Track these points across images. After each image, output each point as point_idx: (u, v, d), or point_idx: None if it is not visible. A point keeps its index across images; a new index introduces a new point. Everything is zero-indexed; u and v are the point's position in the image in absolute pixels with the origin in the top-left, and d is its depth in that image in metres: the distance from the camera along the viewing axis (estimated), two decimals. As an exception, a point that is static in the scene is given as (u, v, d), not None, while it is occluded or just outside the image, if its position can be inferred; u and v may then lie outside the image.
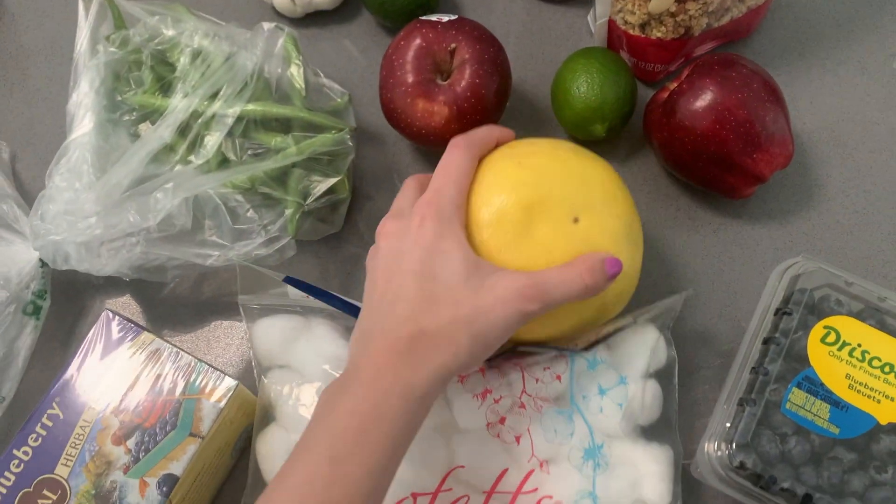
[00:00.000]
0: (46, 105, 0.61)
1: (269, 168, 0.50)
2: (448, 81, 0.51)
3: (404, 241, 0.41)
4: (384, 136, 0.59)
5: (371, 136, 0.59)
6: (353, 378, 0.38)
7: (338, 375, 0.40)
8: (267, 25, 0.54)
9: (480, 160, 0.46)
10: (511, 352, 0.46)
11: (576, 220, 0.44)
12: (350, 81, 0.60)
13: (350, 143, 0.52)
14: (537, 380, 0.45)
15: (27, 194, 0.57)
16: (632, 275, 0.46)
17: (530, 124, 0.58)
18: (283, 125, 0.53)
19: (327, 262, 0.56)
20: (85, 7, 0.54)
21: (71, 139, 0.51)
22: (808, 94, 0.59)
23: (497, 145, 0.47)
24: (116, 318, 0.47)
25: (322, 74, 0.56)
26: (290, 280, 0.47)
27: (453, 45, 0.50)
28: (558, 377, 0.44)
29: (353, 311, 0.46)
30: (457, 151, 0.44)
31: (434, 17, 0.52)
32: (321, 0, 0.59)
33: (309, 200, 0.51)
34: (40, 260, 0.51)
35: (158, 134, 0.49)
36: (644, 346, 0.45)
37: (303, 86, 0.53)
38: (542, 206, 0.44)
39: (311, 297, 0.46)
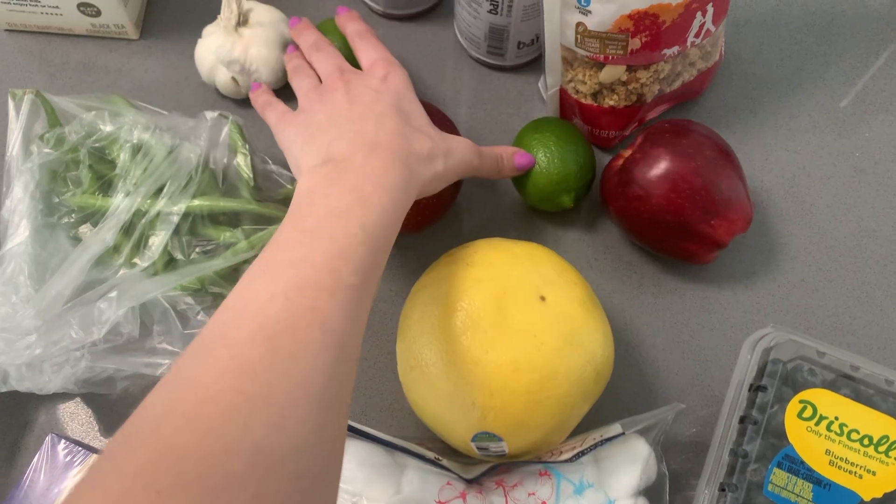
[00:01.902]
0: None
1: (220, 267, 0.48)
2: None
3: (373, 84, 0.46)
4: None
5: None
6: (365, 166, 0.41)
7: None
8: (210, 114, 0.52)
9: (426, 276, 0.46)
10: (493, 469, 0.44)
11: (543, 299, 0.43)
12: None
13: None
14: (521, 505, 0.43)
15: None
16: (608, 338, 0.45)
17: (495, 201, 0.57)
18: (232, 218, 0.51)
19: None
20: (15, 106, 0.51)
21: (6, 249, 0.48)
22: (762, 150, 0.59)
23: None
24: (62, 441, 0.44)
25: (270, 161, 0.54)
26: None
27: None
28: (543, 503, 0.43)
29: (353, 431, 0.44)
30: (385, 63, 0.49)
31: None
32: (265, 79, 0.57)
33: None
34: None
35: (101, 237, 0.47)
36: (634, 464, 0.44)
37: (251, 175, 0.52)
38: (507, 295, 0.43)
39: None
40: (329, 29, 0.56)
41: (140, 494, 0.27)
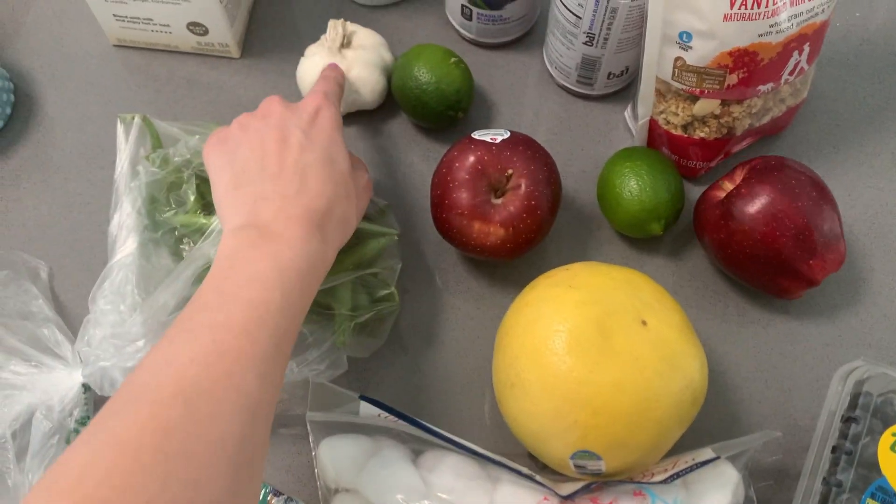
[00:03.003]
0: (87, 220, 0.59)
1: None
2: (502, 201, 0.51)
3: (303, 123, 0.47)
4: (425, 237, 0.58)
5: (410, 239, 0.58)
6: (283, 234, 0.41)
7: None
8: None
9: (527, 295, 0.48)
10: (587, 487, 0.45)
11: (644, 323, 0.45)
12: (390, 182, 0.60)
13: (397, 254, 0.52)
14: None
15: (68, 316, 0.56)
16: (704, 364, 0.46)
17: (580, 226, 0.59)
18: None
19: (369, 375, 0.55)
20: (125, 129, 0.54)
21: (114, 261, 0.51)
22: (844, 187, 0.60)
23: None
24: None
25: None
26: (365, 398, 0.46)
27: (510, 172, 0.51)
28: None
29: (434, 434, 0.45)
30: (329, 74, 0.53)
31: (488, 137, 0.52)
32: (365, 100, 0.59)
33: (359, 314, 0.50)
34: (83, 385, 0.50)
35: (203, 252, 0.49)
36: (724, 488, 0.44)
37: None
38: (609, 318, 0.44)
39: (382, 417, 0.46)
40: (418, 54, 0.58)
41: None
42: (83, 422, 0.50)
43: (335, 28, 0.58)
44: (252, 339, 0.37)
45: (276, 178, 0.44)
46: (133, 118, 0.54)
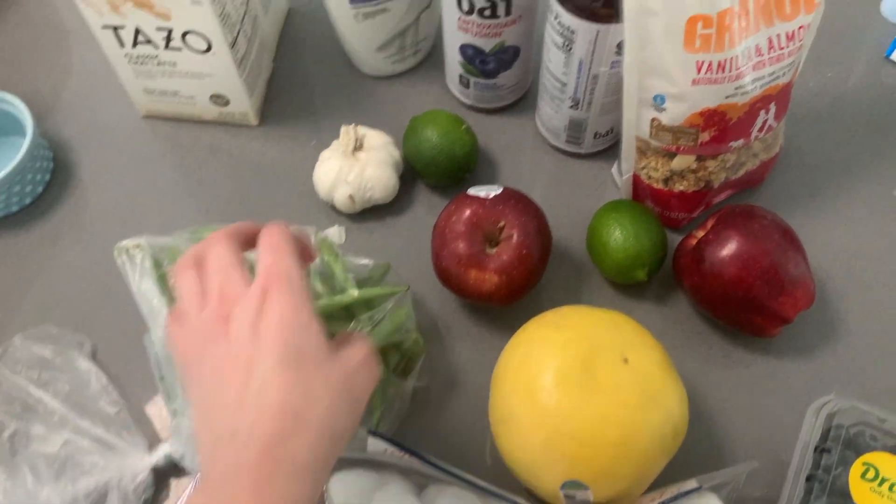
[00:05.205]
0: (118, 282, 0.59)
1: None
2: (496, 251, 0.56)
3: (245, 321, 0.36)
4: (427, 285, 0.62)
5: (414, 287, 0.61)
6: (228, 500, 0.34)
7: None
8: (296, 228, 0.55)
9: (519, 336, 0.51)
10: None
11: (626, 360, 0.48)
12: (398, 240, 0.65)
13: (409, 303, 0.56)
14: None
15: (122, 387, 0.58)
16: (684, 398, 0.49)
17: (572, 273, 0.63)
18: (343, 311, 0.56)
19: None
20: (129, 259, 0.54)
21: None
22: (821, 234, 0.64)
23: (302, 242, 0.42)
24: None
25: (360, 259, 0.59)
26: (374, 434, 0.49)
27: (502, 223, 0.56)
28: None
29: (438, 468, 0.49)
30: (273, 231, 0.40)
31: (482, 193, 0.57)
32: (379, 195, 0.64)
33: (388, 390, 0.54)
34: (152, 470, 0.53)
35: None
36: None
37: (347, 276, 0.55)
38: (594, 357, 0.48)
39: (388, 452, 0.49)
40: (432, 119, 0.63)
41: None
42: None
43: (347, 133, 0.63)
44: None
45: (228, 410, 0.35)
46: (129, 248, 0.55)
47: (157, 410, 0.58)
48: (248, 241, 0.41)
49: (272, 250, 0.38)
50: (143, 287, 0.55)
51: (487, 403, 0.53)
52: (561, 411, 0.47)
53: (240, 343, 0.36)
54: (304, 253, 0.42)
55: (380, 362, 0.41)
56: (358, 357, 0.39)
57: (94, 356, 0.60)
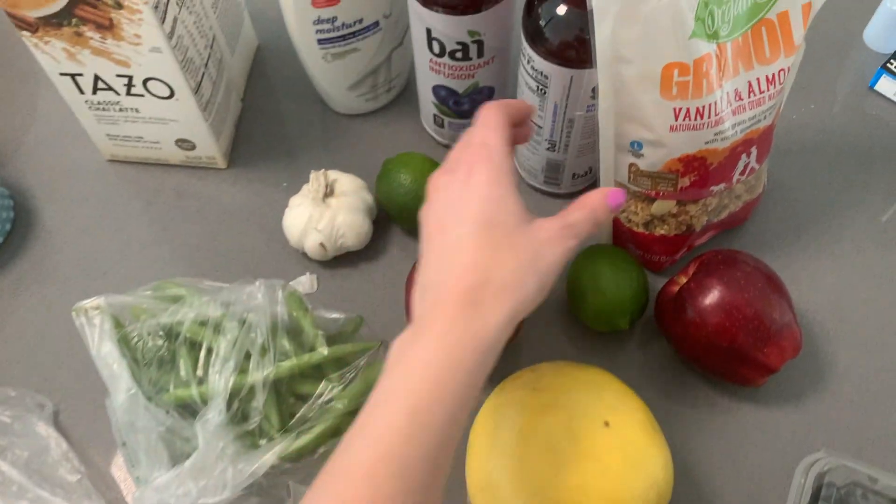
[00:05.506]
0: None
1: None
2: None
3: (455, 192, 0.42)
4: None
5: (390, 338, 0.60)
6: (426, 329, 0.39)
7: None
8: (263, 282, 0.54)
9: (495, 399, 0.49)
10: None
11: (607, 424, 0.46)
12: (371, 304, 0.62)
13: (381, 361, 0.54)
14: None
15: (82, 452, 0.56)
16: (669, 462, 0.48)
17: (553, 322, 0.61)
18: (315, 369, 0.54)
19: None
20: (87, 320, 0.54)
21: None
22: (807, 273, 0.62)
23: (521, 115, 0.48)
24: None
25: (331, 312, 0.58)
26: None
27: None
28: None
29: None
30: (491, 110, 0.45)
31: None
32: (351, 242, 0.61)
33: None
34: None
35: (213, 425, 0.50)
36: None
37: (317, 332, 0.54)
38: (573, 421, 0.46)
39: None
40: (406, 162, 0.61)
41: None
42: None
43: (317, 179, 0.61)
44: (373, 484, 0.35)
45: (435, 261, 0.42)
46: (87, 309, 0.54)
47: (122, 475, 0.56)
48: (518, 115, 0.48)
49: (484, 127, 0.44)
50: (103, 350, 0.53)
51: (464, 466, 0.51)
52: (539, 482, 0.45)
53: (446, 210, 0.42)
54: (519, 134, 0.49)
55: (575, 237, 0.43)
56: (547, 233, 0.42)
57: (55, 419, 0.57)
